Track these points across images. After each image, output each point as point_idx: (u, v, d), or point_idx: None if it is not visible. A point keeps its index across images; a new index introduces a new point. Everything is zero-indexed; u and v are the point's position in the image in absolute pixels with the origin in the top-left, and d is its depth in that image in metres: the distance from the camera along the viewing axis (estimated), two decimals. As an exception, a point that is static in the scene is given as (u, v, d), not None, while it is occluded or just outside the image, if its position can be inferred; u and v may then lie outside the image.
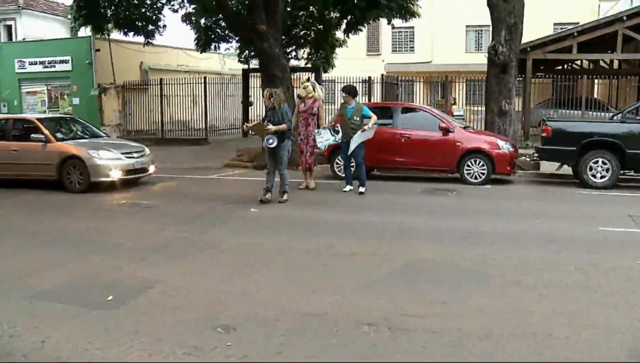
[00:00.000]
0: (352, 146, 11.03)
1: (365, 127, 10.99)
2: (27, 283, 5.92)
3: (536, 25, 24.37)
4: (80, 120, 15.04)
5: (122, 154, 12.34)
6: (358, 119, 11.13)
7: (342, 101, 11.64)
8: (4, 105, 25.88)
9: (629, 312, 4.95)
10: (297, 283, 5.82)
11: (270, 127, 10.10)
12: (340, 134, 11.26)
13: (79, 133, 13.63)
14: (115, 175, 12.09)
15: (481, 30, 32.88)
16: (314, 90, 11.90)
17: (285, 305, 5.12)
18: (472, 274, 6.06)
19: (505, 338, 4.40)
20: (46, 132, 12.45)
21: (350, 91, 11.44)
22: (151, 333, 4.52)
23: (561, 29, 23.81)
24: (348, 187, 11.39)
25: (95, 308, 5.13)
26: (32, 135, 12.46)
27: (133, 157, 12.51)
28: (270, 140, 10.04)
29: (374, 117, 11.15)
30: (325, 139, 11.43)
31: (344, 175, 11.96)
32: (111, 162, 12.06)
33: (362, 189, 11.09)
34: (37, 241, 7.91)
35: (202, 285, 5.75)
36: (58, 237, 8.19)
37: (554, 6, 30.26)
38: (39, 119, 13.22)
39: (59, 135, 12.86)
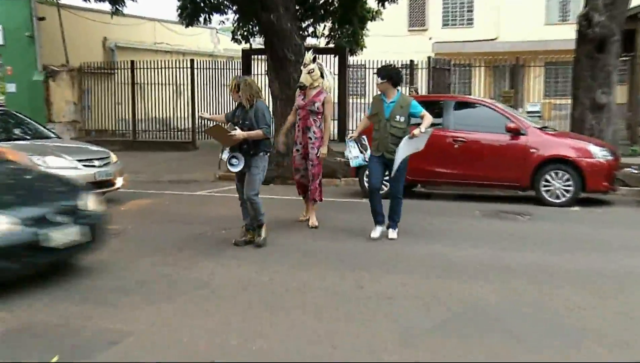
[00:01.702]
0: (397, 162, 9.23)
1: (417, 131, 9.11)
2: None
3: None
4: (19, 115, 15.13)
5: (78, 161, 12.29)
6: (403, 119, 9.34)
7: (376, 93, 9.88)
8: None
9: None
10: (313, 336, 5.82)
11: (237, 132, 8.74)
12: (369, 150, 9.76)
13: (17, 132, 13.67)
14: None
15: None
16: (321, 75, 10.62)
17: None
18: (551, 326, 6.01)
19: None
20: None
21: (389, 75, 9.44)
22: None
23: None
24: (378, 231, 9.64)
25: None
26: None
27: (94, 166, 12.44)
28: (235, 160, 8.89)
29: (429, 117, 9.37)
30: (354, 155, 10.04)
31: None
32: (63, 171, 11.65)
33: (393, 234, 9.60)
34: None
35: (187, 338, 5.75)
36: None
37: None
38: None
39: None
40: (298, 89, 10.69)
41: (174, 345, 5.58)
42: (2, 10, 24.82)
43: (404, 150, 9.14)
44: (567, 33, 16.40)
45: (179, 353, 5.43)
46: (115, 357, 5.37)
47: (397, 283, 7.31)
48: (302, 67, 10.56)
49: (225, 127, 9.16)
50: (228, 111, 11.37)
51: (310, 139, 10.38)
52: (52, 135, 14.44)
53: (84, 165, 12.30)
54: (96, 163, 12.48)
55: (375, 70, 9.84)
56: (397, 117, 9.31)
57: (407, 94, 21.24)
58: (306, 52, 10.92)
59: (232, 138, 8.67)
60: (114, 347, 5.57)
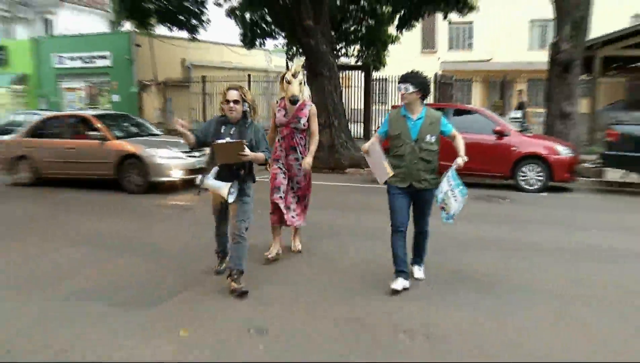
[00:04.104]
0: (453, 209, 5.95)
1: (461, 161, 5.81)
2: (64, 282, 6.32)
3: (610, 19, 23.91)
4: (135, 118, 15.51)
5: (182, 152, 12.38)
6: (434, 139, 5.90)
7: (399, 103, 6.52)
8: (43, 102, 26.82)
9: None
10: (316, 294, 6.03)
11: (249, 152, 5.67)
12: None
13: (135, 131, 13.88)
14: (176, 175, 12.26)
15: (546, 26, 32.44)
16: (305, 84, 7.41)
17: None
18: (519, 288, 6.15)
19: (563, 355, 4.55)
20: (104, 129, 12.72)
21: (422, 84, 5.88)
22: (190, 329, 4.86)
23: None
24: (399, 283, 5.92)
25: (129, 308, 5.49)
26: (89, 132, 12.72)
27: (194, 156, 12.35)
28: (232, 189, 5.80)
29: (460, 138, 6.06)
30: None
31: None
32: (172, 161, 12.23)
33: (420, 273, 6.40)
34: (78, 241, 8.30)
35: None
36: (107, 238, 8.53)
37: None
38: (95, 116, 13.52)
39: (116, 132, 13.02)
40: (280, 101, 7.23)
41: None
42: (111, 40, 25.70)
43: (450, 183, 5.87)
44: (545, 57, 16.45)
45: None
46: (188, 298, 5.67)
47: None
48: (287, 78, 7.00)
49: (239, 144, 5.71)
50: (198, 122, 7.43)
51: (297, 160, 7.13)
52: (160, 133, 14.64)
53: (187, 156, 12.37)
54: (196, 154, 12.30)
55: (399, 78, 5.96)
56: (428, 137, 5.84)
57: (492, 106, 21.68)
58: (295, 59, 7.61)
59: (241, 158, 5.65)
60: (183, 292, 5.88)
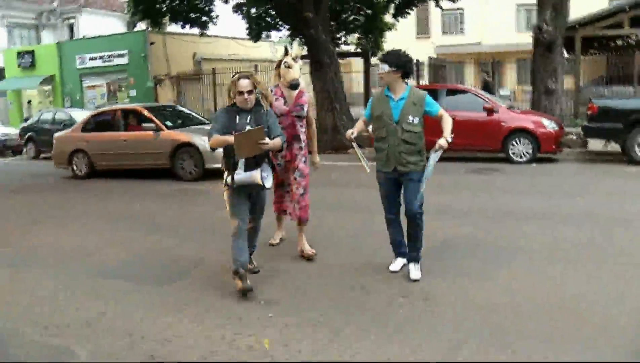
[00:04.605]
0: (423, 182, 5.30)
1: (443, 142, 5.05)
2: (92, 260, 6.48)
3: (589, 1, 23.82)
4: (183, 109, 15.44)
5: None
6: (417, 120, 5.24)
7: (379, 85, 5.97)
8: (67, 100, 26.99)
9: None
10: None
11: (269, 141, 5.05)
12: (369, 164, 5.62)
13: (184, 120, 13.76)
14: None
15: (532, 10, 32.12)
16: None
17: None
18: (507, 251, 6.20)
19: (532, 307, 4.59)
20: (157, 121, 12.60)
21: (401, 63, 5.24)
22: (201, 303, 4.96)
23: (616, 3, 23.17)
24: (398, 263, 5.64)
25: (150, 284, 5.58)
26: (144, 124, 12.60)
27: None
28: (265, 174, 5.20)
29: (448, 118, 5.29)
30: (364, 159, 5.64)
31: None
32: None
33: (416, 272, 5.37)
34: (113, 222, 8.49)
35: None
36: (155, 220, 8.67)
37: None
38: (147, 108, 13.45)
39: (168, 123, 12.91)
40: (275, 88, 6.23)
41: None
42: (128, 40, 25.81)
43: (432, 167, 5.23)
44: (531, 38, 16.48)
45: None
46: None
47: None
48: (287, 62, 6.09)
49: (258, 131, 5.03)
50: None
51: (301, 148, 6.28)
52: (207, 122, 14.11)
53: None
54: None
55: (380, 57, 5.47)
56: (410, 118, 5.20)
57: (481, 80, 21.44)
58: (294, 43, 6.34)
59: (261, 147, 4.99)
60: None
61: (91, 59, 26.71)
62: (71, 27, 35.39)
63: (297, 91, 6.16)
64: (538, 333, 4.10)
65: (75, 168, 13.68)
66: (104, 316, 4.79)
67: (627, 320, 4.27)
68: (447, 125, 5.17)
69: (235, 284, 5.13)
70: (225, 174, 5.24)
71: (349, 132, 5.51)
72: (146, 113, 12.98)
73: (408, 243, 5.49)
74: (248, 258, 5.37)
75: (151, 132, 12.41)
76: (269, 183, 5.21)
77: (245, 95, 5.12)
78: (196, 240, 7.24)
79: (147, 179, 12.69)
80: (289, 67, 6.09)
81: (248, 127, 5.10)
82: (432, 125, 5.43)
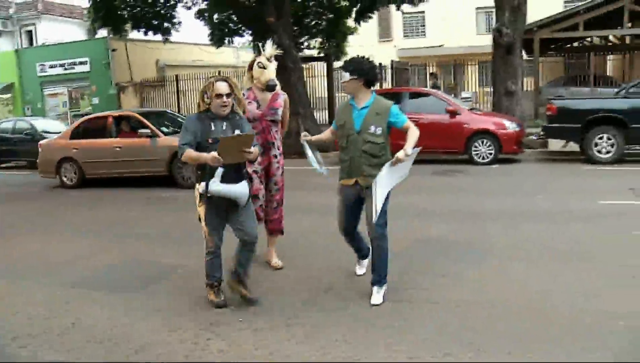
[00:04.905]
0: (378, 199, 4.72)
1: (401, 154, 4.64)
2: (70, 269, 6.47)
3: (546, 4, 24.40)
4: (173, 114, 15.05)
5: None
6: (380, 131, 4.88)
7: (345, 92, 5.27)
8: (28, 108, 26.60)
9: (627, 279, 5.25)
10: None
11: (252, 148, 4.65)
12: (324, 168, 5.34)
13: (178, 126, 12.97)
14: None
15: (491, 12, 32.67)
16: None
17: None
18: (470, 250, 6.40)
19: (500, 307, 4.75)
20: (152, 127, 12.17)
21: (362, 70, 4.91)
22: (174, 309, 5.00)
23: (572, 6, 23.80)
24: (364, 264, 5.63)
25: (125, 292, 5.61)
26: (140, 131, 12.10)
27: None
28: (244, 189, 4.84)
29: (414, 131, 4.88)
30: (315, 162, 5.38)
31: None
32: None
33: (378, 297, 4.93)
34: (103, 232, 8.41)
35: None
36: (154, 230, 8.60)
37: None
38: (141, 114, 12.99)
39: (163, 129, 12.55)
40: (247, 91, 5.88)
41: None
42: (89, 47, 25.55)
43: (386, 181, 4.77)
44: (491, 41, 16.84)
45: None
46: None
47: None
48: (262, 62, 5.77)
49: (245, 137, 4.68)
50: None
51: (276, 156, 5.96)
52: None
53: None
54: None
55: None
56: (372, 128, 4.86)
57: (430, 84, 21.20)
58: (267, 44, 5.88)
59: (245, 156, 4.63)
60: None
61: (51, 66, 26.37)
62: (30, 34, 34.83)
63: (271, 94, 5.84)
64: (507, 333, 4.23)
65: (64, 177, 13.12)
66: (79, 324, 4.80)
67: (592, 319, 4.40)
68: (412, 138, 4.80)
69: (208, 296, 5.05)
70: (198, 185, 4.82)
71: (303, 133, 5.39)
72: (141, 118, 12.57)
73: (372, 268, 5.05)
74: (221, 274, 5.03)
75: (147, 139, 12.05)
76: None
77: (224, 98, 4.70)
78: (181, 246, 7.25)
79: (140, 186, 12.34)
80: (263, 67, 5.74)
81: (232, 133, 4.71)
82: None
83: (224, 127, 4.78)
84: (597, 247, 6.29)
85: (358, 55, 5.13)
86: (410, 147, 4.71)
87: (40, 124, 19.31)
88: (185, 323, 4.68)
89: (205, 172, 4.71)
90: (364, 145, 4.87)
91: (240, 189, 4.76)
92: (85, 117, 14.52)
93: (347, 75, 4.91)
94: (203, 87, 4.84)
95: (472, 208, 8.52)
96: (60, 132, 18.67)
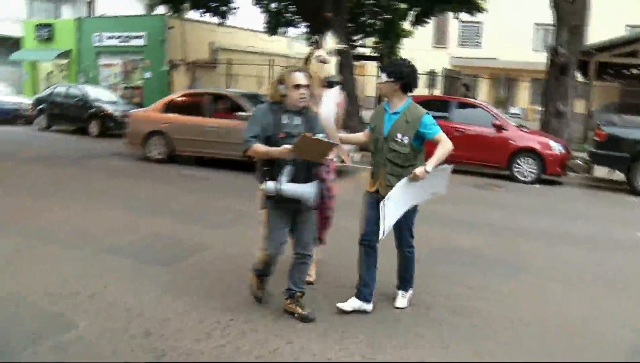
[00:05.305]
0: (386, 213, 4.41)
1: (419, 171, 4.42)
2: (106, 238, 6.62)
3: (607, 27, 23.87)
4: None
5: None
6: (407, 140, 4.54)
7: (379, 93, 5.04)
8: (82, 76, 27.15)
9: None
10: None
11: (343, 145, 4.84)
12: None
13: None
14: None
15: (550, 29, 32.14)
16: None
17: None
18: (502, 264, 6.35)
19: (536, 325, 4.71)
20: (250, 110, 10.87)
21: (399, 73, 4.59)
22: (200, 287, 5.09)
23: (634, 32, 23.21)
24: (349, 304, 4.75)
25: (156, 264, 5.75)
26: (239, 113, 11.17)
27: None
28: (281, 186, 4.29)
29: (445, 144, 4.55)
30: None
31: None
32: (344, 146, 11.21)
33: (402, 301, 4.95)
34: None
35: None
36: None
37: (626, 7, 29.17)
38: (240, 96, 12.52)
39: None
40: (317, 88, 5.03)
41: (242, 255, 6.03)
42: (147, 22, 25.88)
43: (402, 196, 4.48)
44: (546, 58, 16.60)
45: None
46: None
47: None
48: (322, 56, 5.19)
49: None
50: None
51: (333, 159, 5.29)
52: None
53: None
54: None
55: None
56: (399, 136, 4.52)
57: (459, 94, 20.29)
58: (322, 37, 5.36)
59: (323, 161, 4.48)
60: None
61: (108, 37, 26.86)
62: (89, 4, 35.58)
63: (330, 90, 5.28)
64: (536, 350, 4.22)
65: (151, 151, 12.77)
66: (106, 291, 4.94)
67: (636, 342, 4.38)
68: (438, 153, 4.47)
69: (250, 282, 4.84)
70: (263, 185, 4.37)
71: (340, 134, 5.10)
72: (240, 101, 12.08)
73: (397, 275, 4.97)
74: (272, 273, 4.70)
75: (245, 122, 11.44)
76: (311, 202, 4.45)
77: (302, 90, 4.33)
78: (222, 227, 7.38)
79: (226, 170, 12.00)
80: (323, 62, 5.20)
81: (306, 130, 4.29)
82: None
83: (298, 122, 4.39)
84: (630, 277, 6.20)
85: (400, 57, 4.91)
86: (432, 164, 4.42)
87: (92, 92, 19.79)
88: (209, 303, 4.76)
89: (272, 169, 4.33)
90: (389, 153, 4.58)
91: (309, 190, 4.37)
92: (180, 92, 14.16)
93: (384, 76, 4.63)
94: (278, 77, 4.48)
95: (508, 224, 8.44)
96: (112, 101, 19.24)
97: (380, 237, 4.51)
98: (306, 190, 4.34)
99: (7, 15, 31.18)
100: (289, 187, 4.27)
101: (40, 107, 20.08)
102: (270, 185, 4.27)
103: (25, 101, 22.46)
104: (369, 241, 4.72)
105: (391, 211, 4.41)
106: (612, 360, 4.13)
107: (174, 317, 4.48)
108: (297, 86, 4.32)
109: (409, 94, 4.68)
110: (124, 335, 4.13)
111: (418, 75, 4.75)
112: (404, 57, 5.32)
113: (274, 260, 4.55)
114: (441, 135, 4.55)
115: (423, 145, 4.64)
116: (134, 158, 13.10)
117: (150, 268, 5.63)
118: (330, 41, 5.35)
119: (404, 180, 4.44)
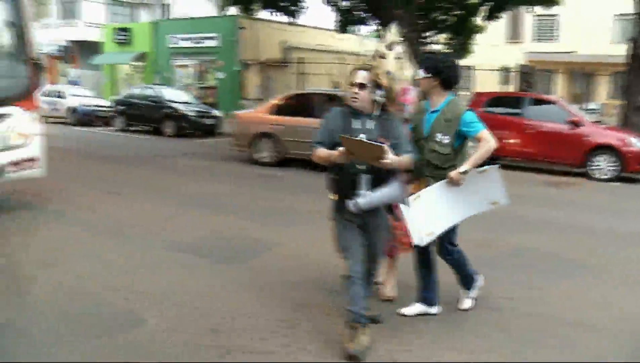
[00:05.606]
0: (410, 213, 4.22)
1: (454, 174, 4.19)
2: (175, 234, 6.79)
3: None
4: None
5: None
6: (447, 140, 4.28)
7: (418, 89, 4.66)
8: (158, 77, 27.97)
9: None
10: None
11: (392, 157, 3.73)
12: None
13: None
14: None
15: (630, 20, 30.90)
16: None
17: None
18: (576, 266, 6.14)
19: (590, 326, 4.56)
20: None
21: (437, 69, 4.32)
22: (269, 288, 5.15)
23: None
24: (412, 308, 4.65)
25: (224, 262, 5.85)
26: None
27: None
28: (364, 200, 3.86)
29: (488, 143, 4.20)
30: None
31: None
32: None
33: (466, 302, 4.80)
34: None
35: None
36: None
37: None
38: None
39: None
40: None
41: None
42: (219, 23, 26.48)
43: (441, 201, 4.25)
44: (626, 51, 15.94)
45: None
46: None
47: (472, 230, 5.70)
48: (380, 51, 4.84)
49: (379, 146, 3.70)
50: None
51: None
52: None
53: None
54: None
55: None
56: (439, 135, 4.28)
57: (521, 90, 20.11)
58: (392, 29, 4.99)
59: (380, 162, 3.68)
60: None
61: (182, 39, 27.58)
62: (164, 7, 36.66)
63: (400, 88, 4.70)
64: (593, 351, 4.10)
65: (258, 153, 12.56)
66: (174, 287, 5.06)
67: None
68: (479, 153, 4.18)
69: (343, 334, 4.02)
70: (333, 196, 4.07)
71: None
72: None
73: (457, 278, 4.79)
74: (364, 306, 3.96)
75: None
76: (400, 199, 4.05)
77: (355, 89, 3.93)
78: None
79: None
80: (382, 57, 4.80)
81: (362, 136, 3.85)
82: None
83: (371, 126, 3.94)
84: None
85: (439, 52, 4.72)
86: (469, 165, 4.15)
87: (167, 93, 20.36)
88: (278, 303, 4.81)
89: (341, 177, 3.95)
90: (429, 153, 4.31)
91: (393, 189, 3.90)
92: (289, 93, 13.83)
93: (421, 72, 4.35)
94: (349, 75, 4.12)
95: (581, 224, 8.14)
96: (187, 102, 19.69)
97: (416, 242, 4.26)
98: (391, 191, 3.90)
99: (89, 21, 32.60)
100: (375, 194, 3.86)
101: (118, 108, 20.80)
102: (355, 203, 3.85)
103: (104, 103, 23.33)
104: (417, 251, 4.55)
105: (422, 212, 4.14)
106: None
107: (241, 315, 4.55)
108: (351, 85, 3.97)
109: (450, 90, 4.39)
110: (191, 332, 4.22)
111: (460, 71, 4.48)
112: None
113: (357, 275, 3.94)
114: (484, 133, 4.22)
115: (465, 145, 4.36)
116: (238, 161, 12.97)
117: (219, 265, 5.74)
118: (391, 34, 4.98)
119: (439, 183, 4.22)
